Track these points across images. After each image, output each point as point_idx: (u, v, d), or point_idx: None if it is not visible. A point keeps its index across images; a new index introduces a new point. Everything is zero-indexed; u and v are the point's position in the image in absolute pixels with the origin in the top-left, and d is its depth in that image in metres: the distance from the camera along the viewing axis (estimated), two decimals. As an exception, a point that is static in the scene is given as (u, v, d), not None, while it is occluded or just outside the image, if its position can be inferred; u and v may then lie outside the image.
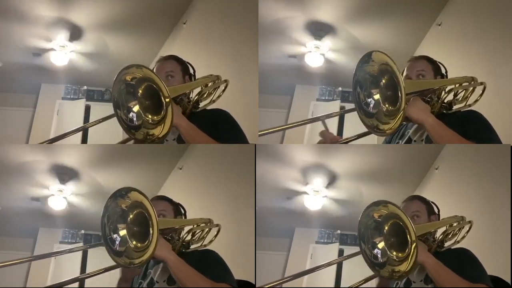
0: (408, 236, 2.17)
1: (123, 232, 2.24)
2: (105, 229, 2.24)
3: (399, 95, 2.18)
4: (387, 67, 2.20)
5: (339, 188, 3.29)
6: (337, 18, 3.19)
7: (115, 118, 2.31)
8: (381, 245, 2.23)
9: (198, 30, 3.13)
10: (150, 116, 2.28)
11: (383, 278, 2.30)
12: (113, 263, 2.27)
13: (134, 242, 2.24)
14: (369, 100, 2.26)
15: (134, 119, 2.28)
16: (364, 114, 2.27)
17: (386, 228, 2.23)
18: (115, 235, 2.24)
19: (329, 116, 2.59)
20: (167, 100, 2.22)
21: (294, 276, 2.63)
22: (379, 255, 2.23)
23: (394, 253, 2.22)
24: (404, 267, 2.19)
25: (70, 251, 2.66)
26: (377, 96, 2.25)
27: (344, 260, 2.74)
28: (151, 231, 2.19)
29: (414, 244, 2.16)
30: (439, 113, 2.33)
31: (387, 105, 2.24)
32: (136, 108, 2.28)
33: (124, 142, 2.48)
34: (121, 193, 2.25)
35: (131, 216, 2.25)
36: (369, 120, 2.26)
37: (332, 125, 3.28)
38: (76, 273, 3.24)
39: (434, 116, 2.30)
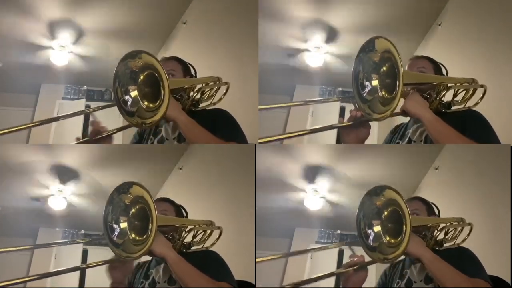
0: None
1: (124, 225, 2.26)
2: (107, 219, 2.27)
3: (397, 83, 2.17)
4: (389, 55, 2.19)
5: (338, 191, 3.30)
6: (341, 23, 3.21)
7: (116, 112, 2.31)
8: (377, 228, 2.23)
9: (198, 30, 3.13)
10: (146, 103, 2.28)
11: None
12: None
13: (133, 235, 2.25)
14: (366, 83, 2.25)
15: (129, 103, 2.27)
16: (358, 97, 2.26)
17: (386, 213, 2.23)
18: (115, 226, 2.26)
19: (326, 100, 2.59)
20: (166, 85, 2.22)
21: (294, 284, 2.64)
22: (371, 237, 2.23)
23: (388, 238, 2.22)
24: (398, 252, 2.20)
25: (72, 242, 2.68)
26: (375, 82, 2.24)
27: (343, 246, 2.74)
28: (150, 226, 2.21)
29: (409, 227, 2.15)
30: (437, 112, 2.32)
31: (383, 92, 2.23)
32: (134, 94, 2.28)
33: (120, 129, 2.47)
34: (124, 189, 2.28)
35: (133, 210, 2.27)
36: (362, 105, 2.25)
37: (332, 116, 3.28)
38: (76, 272, 3.24)
39: (432, 112, 2.30)
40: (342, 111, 3.31)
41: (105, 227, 2.27)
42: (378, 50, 2.21)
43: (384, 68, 2.22)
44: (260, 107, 2.51)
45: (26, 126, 2.52)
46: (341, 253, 3.41)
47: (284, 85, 3.37)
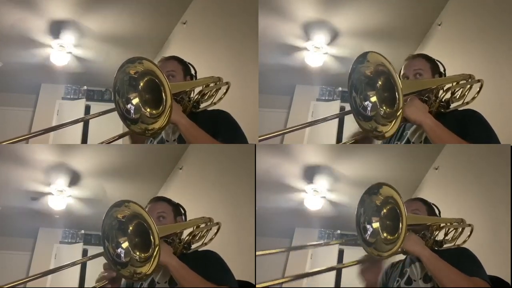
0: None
1: (125, 245, 2.24)
2: (105, 243, 2.25)
3: (397, 96, 2.16)
4: (383, 68, 2.18)
5: (338, 191, 3.30)
6: (342, 22, 3.20)
7: (116, 116, 2.31)
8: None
9: (198, 30, 3.13)
10: (149, 110, 2.27)
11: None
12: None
13: (137, 253, 2.24)
14: (366, 103, 2.23)
15: (132, 111, 2.26)
16: (362, 118, 2.24)
17: (131, 228, 2.23)
18: (119, 249, 2.24)
19: (327, 119, 2.60)
20: (168, 93, 2.21)
21: (295, 277, 2.65)
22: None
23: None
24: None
25: (73, 264, 2.63)
26: (373, 99, 2.23)
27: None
28: (152, 244, 2.20)
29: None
30: (437, 112, 2.32)
31: (384, 107, 2.22)
32: (135, 101, 2.27)
33: (122, 135, 2.47)
34: (118, 205, 2.24)
35: (130, 228, 2.24)
36: (367, 123, 2.24)
37: (332, 127, 3.28)
38: (76, 274, 3.24)
39: (432, 117, 2.29)
40: (342, 110, 3.31)
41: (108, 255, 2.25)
42: (371, 62, 2.20)
43: (380, 82, 2.21)
44: (259, 137, 2.52)
45: (24, 137, 2.51)
46: (341, 253, 3.41)
47: (284, 85, 3.37)
